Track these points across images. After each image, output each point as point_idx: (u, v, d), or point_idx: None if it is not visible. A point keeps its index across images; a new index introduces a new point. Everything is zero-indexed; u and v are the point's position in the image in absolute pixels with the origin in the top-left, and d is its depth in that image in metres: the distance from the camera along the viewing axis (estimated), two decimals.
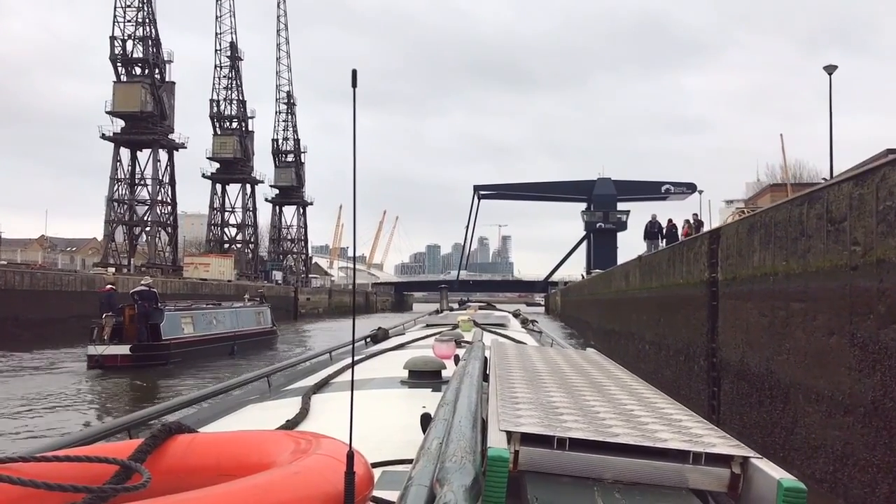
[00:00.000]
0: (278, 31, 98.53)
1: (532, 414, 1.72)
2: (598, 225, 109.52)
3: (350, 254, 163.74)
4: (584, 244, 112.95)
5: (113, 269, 58.08)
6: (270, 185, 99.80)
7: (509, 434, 1.53)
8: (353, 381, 1.73)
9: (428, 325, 8.96)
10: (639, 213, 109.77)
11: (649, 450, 1.52)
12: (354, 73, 1.43)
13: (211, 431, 2.15)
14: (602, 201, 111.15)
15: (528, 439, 1.53)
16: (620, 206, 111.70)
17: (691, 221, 28.23)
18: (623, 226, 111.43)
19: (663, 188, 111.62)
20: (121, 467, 1.46)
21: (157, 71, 66.62)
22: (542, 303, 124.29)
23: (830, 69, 31.59)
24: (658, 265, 18.18)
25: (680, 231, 26.58)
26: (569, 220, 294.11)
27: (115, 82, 64.91)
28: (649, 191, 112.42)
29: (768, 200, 46.64)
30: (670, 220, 26.73)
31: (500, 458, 1.37)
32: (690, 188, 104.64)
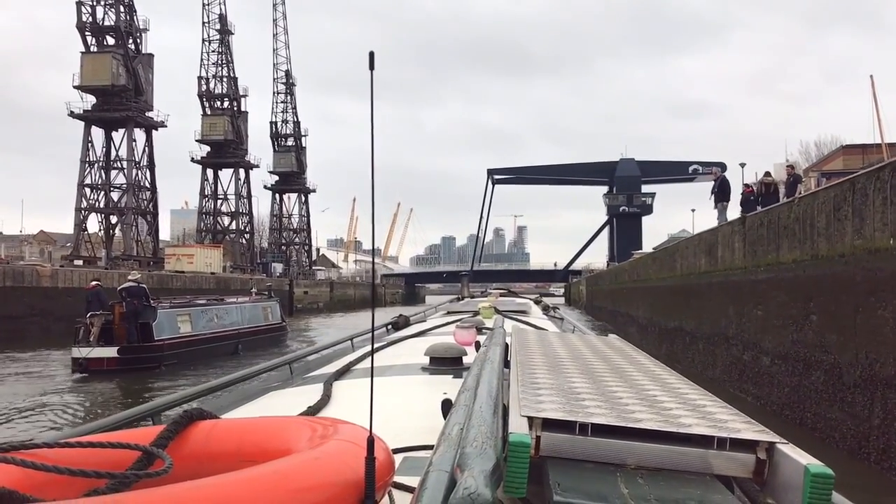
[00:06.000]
0: (274, 4, 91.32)
1: (554, 399, 1.69)
2: (621, 209, 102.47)
3: (365, 247, 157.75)
4: (607, 230, 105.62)
5: (77, 263, 51.26)
6: (269, 171, 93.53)
7: (531, 419, 1.50)
8: (372, 367, 1.64)
9: (449, 312, 8.72)
10: (665, 196, 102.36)
11: (673, 435, 1.49)
12: (372, 55, 1.39)
13: (232, 418, 2.14)
14: (625, 183, 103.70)
15: (550, 425, 1.51)
16: (645, 188, 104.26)
17: (771, 177, 20.69)
18: (648, 209, 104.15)
19: (691, 168, 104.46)
20: (143, 453, 1.48)
21: (130, 41, 59.49)
22: (560, 293, 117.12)
23: None
24: (800, 223, 10.68)
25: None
26: (584, 208, 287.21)
27: (82, 53, 57.77)
28: (676, 172, 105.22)
29: (840, 165, 39.25)
30: (767, 174, 19.11)
31: (521, 444, 1.35)
32: (721, 168, 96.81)
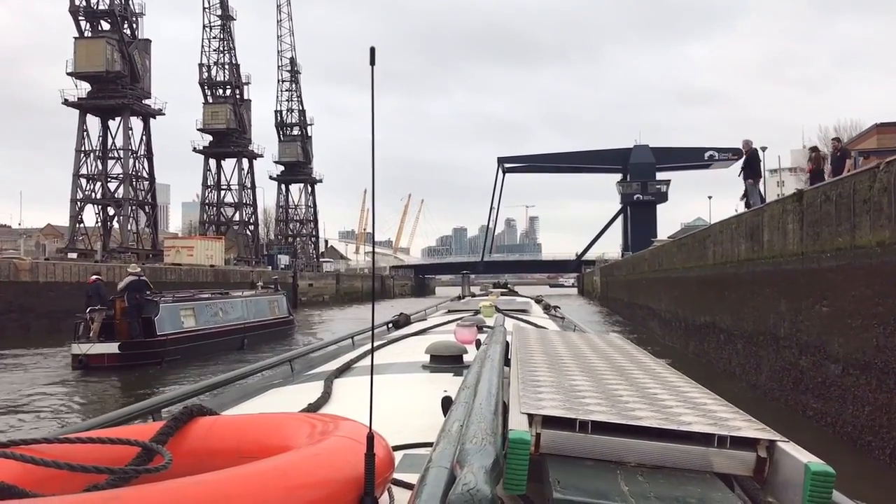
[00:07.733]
0: None
1: (554, 397, 1.70)
2: (635, 197, 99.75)
3: (376, 238, 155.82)
4: (620, 219, 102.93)
5: (72, 256, 49.32)
6: (275, 161, 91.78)
7: (531, 417, 1.51)
8: (372, 364, 1.63)
9: (450, 311, 8.69)
10: (678, 184, 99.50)
11: (673, 433, 1.49)
12: (373, 50, 1.40)
13: (232, 414, 2.17)
14: (639, 170, 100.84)
15: (550, 422, 1.51)
16: (659, 175, 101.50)
17: (818, 150, 18.36)
18: (663, 197, 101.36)
19: (706, 154, 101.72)
20: (143, 449, 1.49)
21: (126, 25, 57.30)
22: (571, 284, 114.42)
23: None
24: (889, 195, 8.32)
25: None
26: (597, 198, 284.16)
27: (75, 38, 55.69)
28: (691, 158, 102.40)
29: (875, 143, 36.92)
30: (814, 148, 16.66)
31: (521, 441, 1.36)
32: (737, 153, 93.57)
